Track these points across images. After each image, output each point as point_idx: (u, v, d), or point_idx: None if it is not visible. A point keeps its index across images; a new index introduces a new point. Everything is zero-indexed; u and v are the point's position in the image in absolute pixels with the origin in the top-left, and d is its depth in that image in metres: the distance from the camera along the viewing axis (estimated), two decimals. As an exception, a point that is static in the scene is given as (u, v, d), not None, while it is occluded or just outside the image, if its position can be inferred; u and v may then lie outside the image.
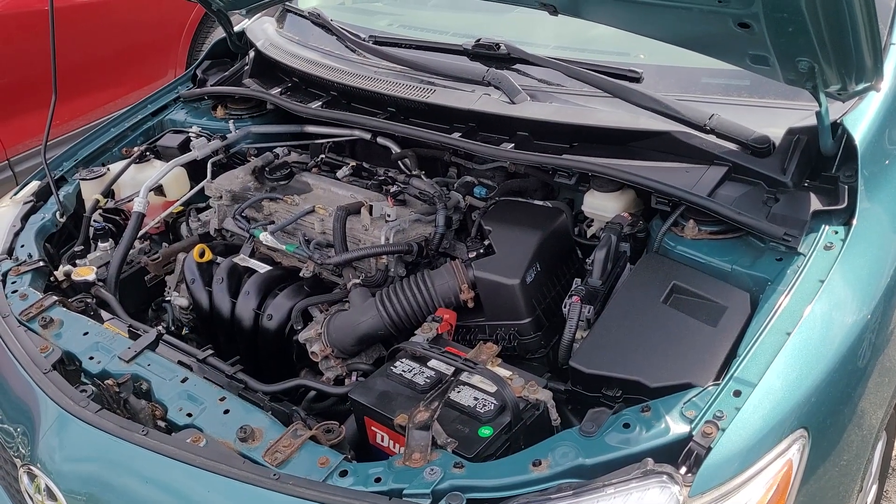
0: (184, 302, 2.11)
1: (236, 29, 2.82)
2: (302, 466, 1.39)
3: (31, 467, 1.57)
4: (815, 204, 1.64)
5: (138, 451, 1.46)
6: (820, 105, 1.57)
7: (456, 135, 2.05)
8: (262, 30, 2.70)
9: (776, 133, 1.73)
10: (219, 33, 4.78)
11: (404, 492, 1.30)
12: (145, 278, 2.24)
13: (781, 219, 1.63)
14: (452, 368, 1.55)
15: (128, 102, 2.78)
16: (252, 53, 2.66)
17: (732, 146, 1.75)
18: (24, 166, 4.23)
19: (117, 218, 2.35)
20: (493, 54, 2.13)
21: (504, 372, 1.57)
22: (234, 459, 1.41)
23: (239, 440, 1.45)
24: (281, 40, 2.61)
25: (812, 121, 1.67)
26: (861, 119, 1.68)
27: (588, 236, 1.96)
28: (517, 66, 2.12)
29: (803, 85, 1.54)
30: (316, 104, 2.36)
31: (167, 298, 2.19)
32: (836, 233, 1.60)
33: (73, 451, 1.55)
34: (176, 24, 5.10)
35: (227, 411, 1.53)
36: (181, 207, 2.37)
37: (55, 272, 2.07)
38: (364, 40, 2.39)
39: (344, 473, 1.36)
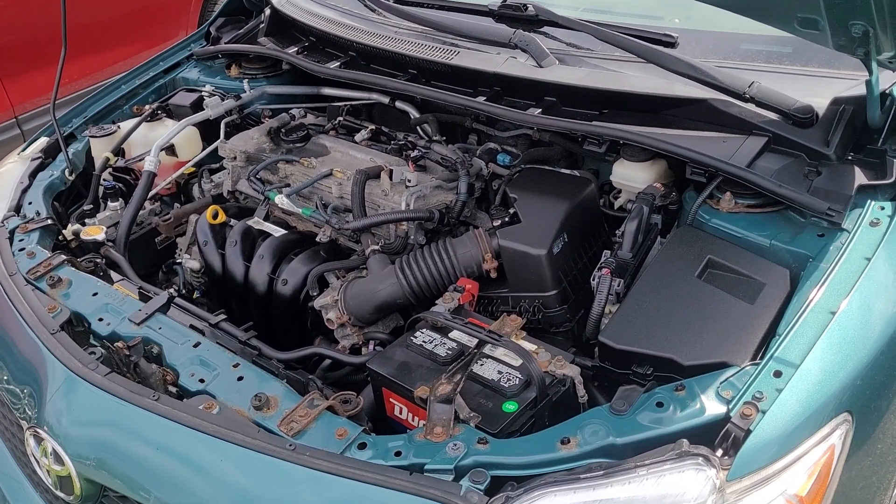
0: (195, 265, 2.05)
1: (252, -14, 2.73)
2: (319, 437, 1.33)
3: (38, 430, 1.53)
4: (861, 178, 1.57)
5: (149, 416, 1.41)
6: (871, 74, 1.49)
7: (480, 99, 1.97)
8: (278, -14, 2.61)
9: (819, 103, 1.65)
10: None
11: (426, 467, 1.25)
12: (156, 240, 2.19)
13: (824, 193, 1.55)
14: (475, 340, 1.49)
15: (136, 63, 2.70)
16: (268, 11, 2.57)
17: (773, 116, 1.67)
18: (32, 124, 4.18)
19: (127, 177, 2.28)
20: (521, 15, 2.04)
21: (529, 345, 1.51)
22: (249, 428, 1.35)
23: (253, 408, 1.39)
24: (298, -2, 2.52)
25: (858, 90, 1.59)
26: (912, 90, 1.61)
27: (615, 208, 1.89)
28: (545, 28, 2.03)
29: (854, 52, 1.45)
30: (334, 64, 2.28)
31: (178, 261, 2.14)
32: (883, 208, 1.52)
33: (80, 414, 1.50)
34: (188, -16, 5.01)
35: (240, 378, 1.48)
36: (193, 168, 2.31)
37: (63, 231, 2.02)
38: (385, -1, 2.31)
39: (363, 446, 1.31)
